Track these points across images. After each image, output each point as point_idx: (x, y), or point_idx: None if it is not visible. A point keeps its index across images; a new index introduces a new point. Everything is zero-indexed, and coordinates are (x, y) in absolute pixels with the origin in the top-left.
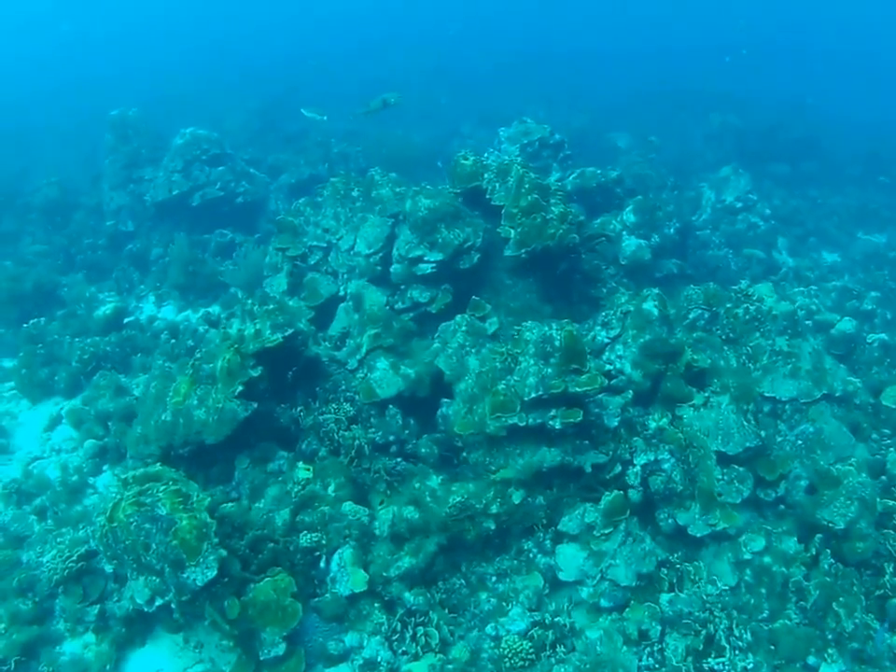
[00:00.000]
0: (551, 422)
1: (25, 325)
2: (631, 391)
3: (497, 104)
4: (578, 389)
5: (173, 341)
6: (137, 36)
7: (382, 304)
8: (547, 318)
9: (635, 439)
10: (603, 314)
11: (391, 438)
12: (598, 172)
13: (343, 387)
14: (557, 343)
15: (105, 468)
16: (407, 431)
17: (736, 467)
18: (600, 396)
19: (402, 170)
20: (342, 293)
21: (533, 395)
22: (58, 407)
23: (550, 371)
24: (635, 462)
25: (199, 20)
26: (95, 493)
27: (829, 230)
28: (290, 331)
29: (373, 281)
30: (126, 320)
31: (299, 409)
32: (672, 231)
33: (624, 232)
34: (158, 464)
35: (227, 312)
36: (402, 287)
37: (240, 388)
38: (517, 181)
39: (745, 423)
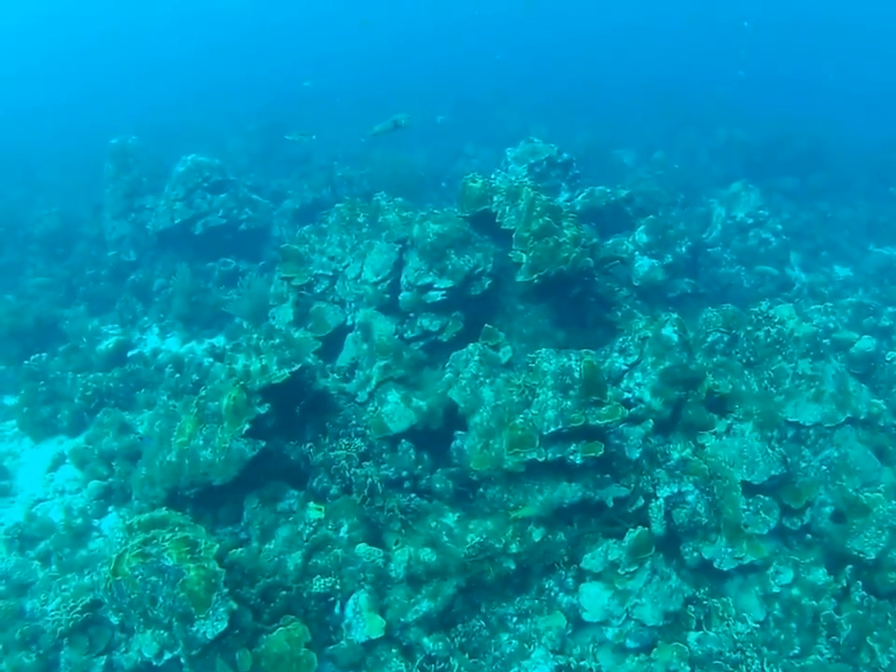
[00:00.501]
0: (571, 456)
1: (26, 361)
2: (651, 420)
3: (499, 122)
4: (598, 422)
5: (177, 375)
6: (138, 64)
7: (391, 334)
8: (560, 344)
9: (657, 470)
10: (620, 339)
11: (404, 473)
12: (608, 191)
13: (354, 422)
14: (577, 375)
15: (110, 509)
16: (420, 466)
17: (762, 496)
18: (621, 426)
19: (407, 192)
20: (349, 323)
21: (552, 429)
22: (61, 446)
23: (569, 403)
24: (658, 495)
25: (200, 46)
26: (100, 536)
27: (840, 243)
28: (298, 366)
29: (382, 309)
30: (130, 354)
31: (308, 445)
32: (684, 249)
33: (637, 253)
34: (164, 508)
35: (232, 343)
36: (411, 314)
37: (247, 427)
38: (528, 204)
39: (769, 450)
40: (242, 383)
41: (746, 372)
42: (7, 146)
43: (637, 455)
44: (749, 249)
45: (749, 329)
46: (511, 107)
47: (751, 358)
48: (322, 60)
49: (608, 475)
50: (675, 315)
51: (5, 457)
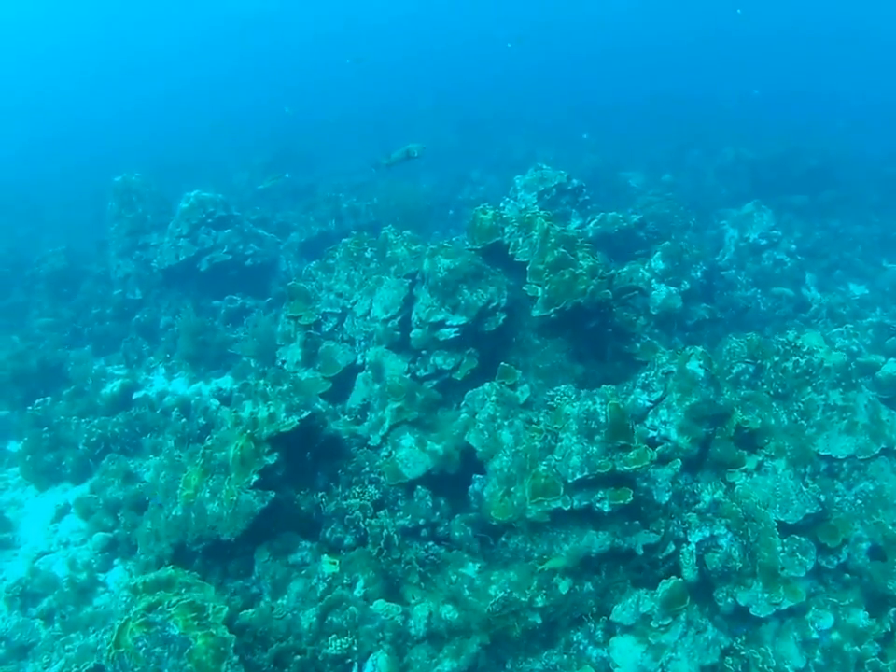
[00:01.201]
0: (598, 504)
1: (29, 407)
2: (679, 460)
3: (504, 147)
4: (627, 468)
5: (183, 420)
6: (144, 99)
7: (403, 373)
8: (579, 379)
9: (688, 514)
10: (643, 375)
11: (421, 521)
12: (619, 216)
13: (367, 468)
14: (602, 419)
15: (115, 562)
16: (438, 513)
17: (797, 537)
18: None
19: (414, 221)
20: (359, 362)
21: (578, 476)
22: (66, 494)
23: (595, 449)
24: (689, 539)
25: (206, 81)
26: (106, 591)
27: (854, 260)
28: (307, 413)
29: (392, 347)
30: (136, 396)
31: (320, 494)
32: (699, 274)
33: (653, 280)
34: (170, 566)
35: (240, 382)
36: (424, 352)
37: (255, 478)
38: (542, 235)
39: (803, 488)
40: (249, 431)
41: (774, 405)
42: (15, 183)
43: (667, 499)
44: (763, 271)
45: (776, 359)
46: (516, 131)
47: (780, 390)
48: (326, 88)
49: (636, 521)
50: (700, 349)
51: (8, 507)
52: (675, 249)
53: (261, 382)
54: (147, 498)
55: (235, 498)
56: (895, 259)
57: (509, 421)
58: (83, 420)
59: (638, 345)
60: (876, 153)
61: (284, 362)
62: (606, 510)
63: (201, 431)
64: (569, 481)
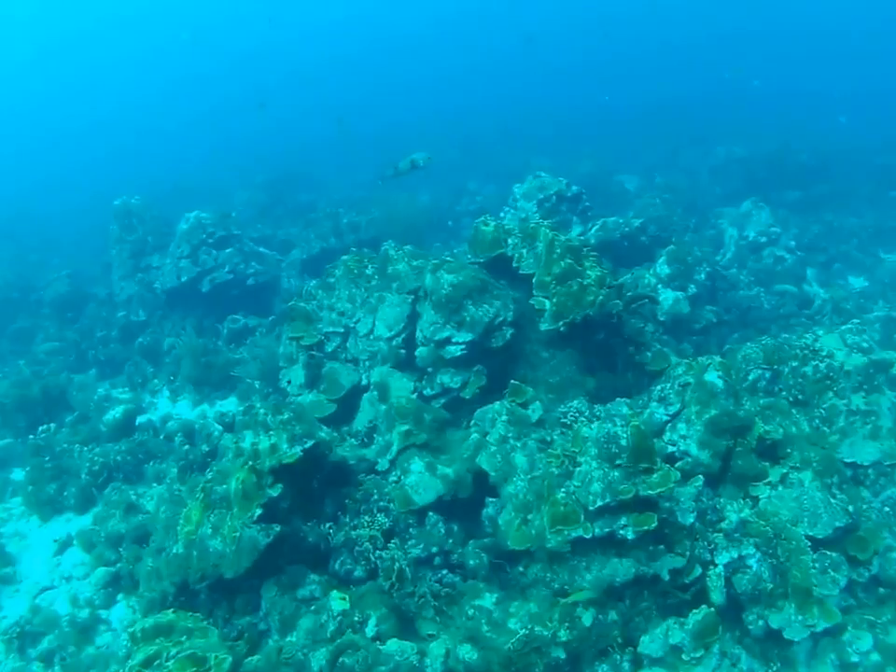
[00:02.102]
0: (622, 531)
1: (32, 436)
2: (701, 476)
3: (500, 156)
4: (651, 492)
5: (186, 446)
6: (149, 123)
7: (409, 392)
8: (591, 392)
9: (714, 534)
10: (658, 387)
11: (434, 549)
12: (621, 221)
13: (376, 496)
14: (624, 442)
15: (118, 597)
16: (451, 540)
17: (827, 552)
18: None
19: (414, 234)
20: (364, 382)
21: (599, 503)
22: (69, 524)
23: (616, 474)
24: (716, 561)
25: (203, 99)
26: (108, 629)
27: (851, 253)
28: (310, 443)
29: (398, 366)
30: (139, 421)
31: (328, 525)
32: (703, 276)
33: (660, 286)
34: (171, 611)
35: (244, 405)
36: (430, 370)
37: (258, 512)
38: (547, 246)
39: (831, 500)
40: (250, 463)
41: (794, 412)
42: (29, 212)
43: (692, 521)
44: (765, 269)
45: (794, 364)
46: (510, 141)
47: (800, 396)
48: (327, 106)
49: (661, 546)
50: (718, 358)
51: (11, 539)
52: (680, 253)
53: (261, 411)
54: (150, 531)
55: (238, 534)
56: (891, 249)
57: (522, 442)
58: (86, 448)
59: (649, 355)
60: (866, 144)
61: (289, 382)
62: (630, 537)
63: (204, 458)
64: (590, 508)
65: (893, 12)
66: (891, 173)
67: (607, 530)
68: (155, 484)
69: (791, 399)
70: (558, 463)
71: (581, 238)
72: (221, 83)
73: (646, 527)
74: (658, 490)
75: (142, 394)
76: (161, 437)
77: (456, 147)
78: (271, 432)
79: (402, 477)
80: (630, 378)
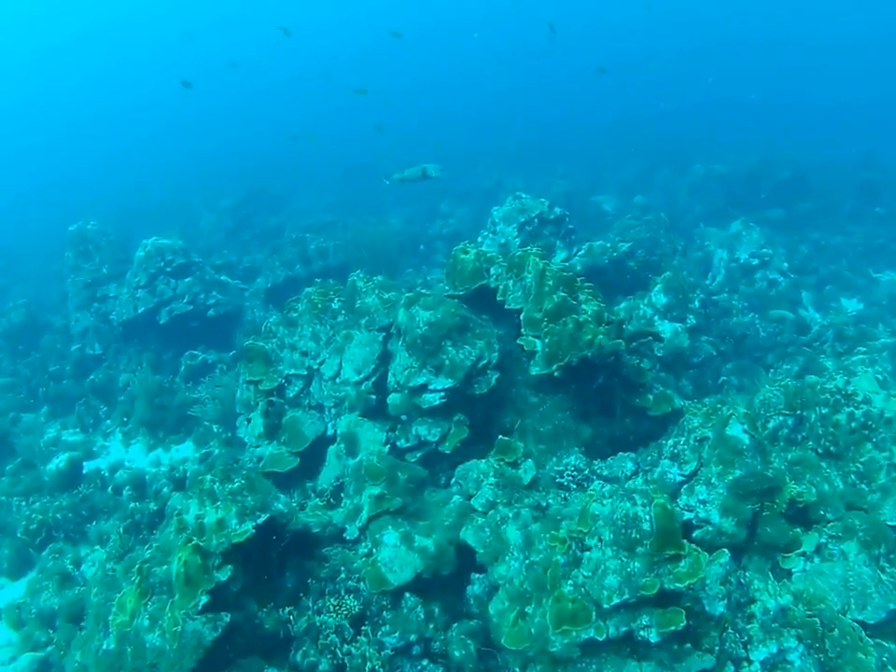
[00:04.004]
0: (642, 632)
1: None
2: (726, 551)
3: (472, 177)
4: (679, 585)
5: (133, 504)
6: (114, 145)
7: (381, 444)
8: (586, 442)
9: (746, 624)
10: (671, 441)
11: (412, 637)
12: (608, 246)
13: (343, 574)
14: (647, 526)
15: None
16: (432, 625)
17: (883, 643)
18: None
19: (385, 260)
20: (330, 432)
21: (616, 600)
22: (0, 592)
23: (637, 565)
24: (751, 657)
25: (172, 123)
26: None
27: (842, 273)
28: (264, 517)
29: (367, 414)
30: (88, 468)
31: (287, 610)
32: (697, 303)
33: (656, 317)
34: None
35: (201, 450)
36: (404, 417)
37: (204, 599)
38: (537, 277)
39: (882, 575)
40: (195, 541)
41: (824, 466)
42: None
43: (721, 610)
44: (758, 293)
45: (824, 411)
46: (482, 161)
47: (831, 448)
48: (293, 127)
49: (687, 644)
50: (741, 409)
51: None
52: (677, 281)
53: (208, 478)
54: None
55: (180, 628)
56: (881, 267)
57: (513, 511)
58: (25, 502)
59: (651, 397)
60: (846, 159)
61: (249, 432)
62: (654, 640)
63: (151, 518)
64: (605, 606)
65: (868, 26)
66: (874, 188)
67: (624, 629)
68: (98, 547)
69: (819, 450)
70: (563, 549)
71: (566, 264)
72: (187, 101)
73: (672, 628)
74: (688, 582)
75: (93, 436)
76: (109, 489)
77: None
78: (218, 503)
79: (374, 550)
80: (629, 423)
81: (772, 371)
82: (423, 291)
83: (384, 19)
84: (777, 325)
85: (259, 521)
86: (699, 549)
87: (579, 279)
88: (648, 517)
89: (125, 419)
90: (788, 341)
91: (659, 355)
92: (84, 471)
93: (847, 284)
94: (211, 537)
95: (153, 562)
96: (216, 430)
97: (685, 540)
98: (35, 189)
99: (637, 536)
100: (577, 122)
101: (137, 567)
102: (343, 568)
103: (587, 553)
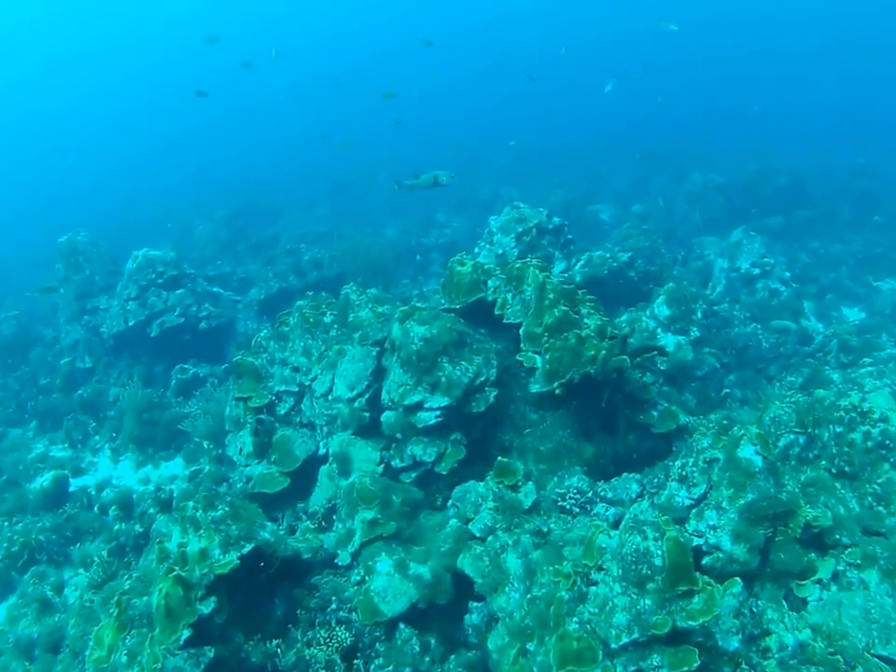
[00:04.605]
0: None
1: None
2: (738, 581)
3: (468, 187)
4: (692, 623)
5: (118, 526)
6: (107, 148)
7: (375, 464)
8: (588, 462)
9: (765, 662)
10: (678, 463)
11: (407, 671)
12: (608, 256)
13: (335, 605)
14: (659, 562)
15: None
16: (428, 658)
17: None
18: None
19: (380, 271)
20: (322, 451)
21: (625, 639)
22: None
23: (648, 602)
24: None
25: (165, 129)
26: None
27: (842, 282)
28: (249, 547)
29: (360, 432)
30: (75, 486)
31: (275, 643)
32: (699, 314)
33: (659, 329)
34: None
35: (191, 468)
36: (399, 435)
37: (186, 634)
38: (537, 290)
39: None
40: (177, 571)
41: (838, 486)
42: None
43: (736, 646)
44: (759, 303)
45: (838, 429)
46: (477, 170)
47: (846, 468)
48: (289, 139)
49: None
50: (755, 430)
51: None
52: (680, 293)
53: (191, 504)
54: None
55: (160, 665)
56: (881, 276)
57: (513, 537)
58: (9, 521)
59: (655, 413)
60: (843, 167)
61: (241, 450)
62: None
63: (136, 540)
64: (613, 645)
65: (857, 36)
66: (872, 196)
67: (633, 669)
68: (82, 570)
69: (833, 470)
70: (568, 584)
71: (566, 275)
72: (183, 113)
73: (686, 668)
74: (702, 620)
75: (82, 452)
76: (96, 508)
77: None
78: (201, 532)
79: (367, 578)
80: (632, 441)
81: (776, 382)
82: (418, 305)
83: (378, 31)
84: (780, 336)
85: (244, 551)
86: (713, 582)
87: (580, 292)
88: (660, 552)
89: (114, 435)
90: (791, 352)
91: (662, 368)
92: (71, 489)
93: (848, 293)
94: (194, 567)
95: (133, 593)
96: (206, 447)
97: (698, 573)
98: (31, 202)
99: (649, 572)
100: (573, 131)
101: (116, 598)
102: (333, 598)
103: (593, 589)
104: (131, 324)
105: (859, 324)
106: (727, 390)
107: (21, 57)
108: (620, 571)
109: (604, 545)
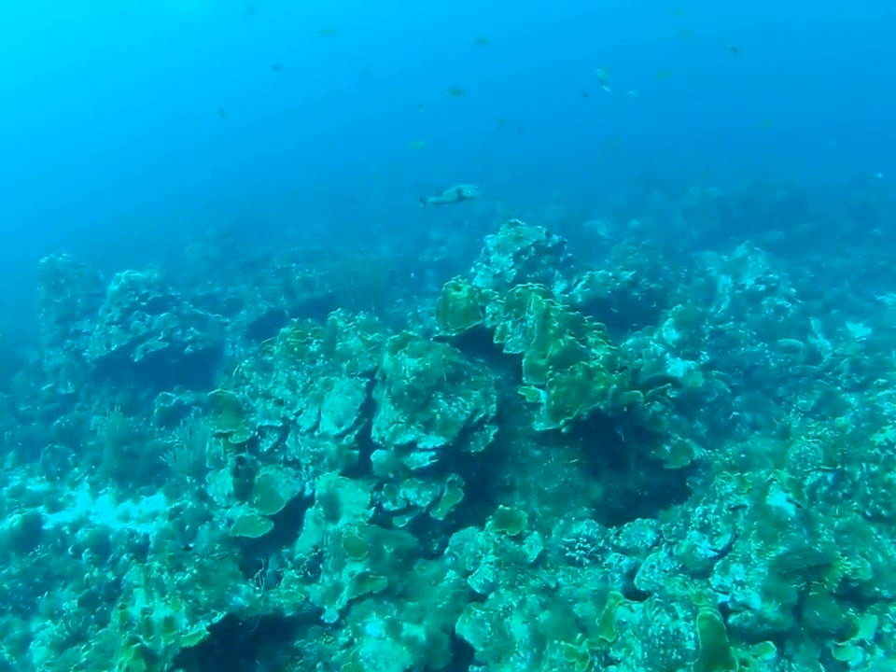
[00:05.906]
0: None
1: None
2: (772, 646)
3: (463, 204)
4: None
5: (88, 574)
6: (97, 165)
7: (365, 507)
8: (597, 503)
9: None
10: (699, 510)
11: None
12: (610, 275)
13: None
14: (692, 646)
15: None
16: None
17: None
18: None
19: (374, 291)
20: (308, 492)
21: None
22: None
23: None
24: None
25: (156, 145)
26: None
27: (846, 297)
28: (220, 616)
29: (349, 472)
30: (51, 523)
31: None
32: (707, 336)
33: (667, 354)
34: None
35: (172, 504)
36: (391, 475)
37: None
38: (540, 317)
39: None
40: (140, 642)
41: (874, 531)
42: None
43: None
44: (765, 321)
45: (873, 469)
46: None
47: (883, 511)
48: (282, 155)
49: None
50: (785, 474)
51: None
52: (690, 315)
53: (156, 564)
54: None
55: None
56: (884, 290)
57: (518, 598)
58: None
59: (668, 448)
60: (841, 179)
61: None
62: None
63: (109, 588)
64: None
65: (860, 48)
66: (871, 208)
67: None
68: (49, 622)
69: (868, 513)
70: (584, 666)
71: (566, 296)
72: (175, 129)
73: None
74: None
75: (60, 485)
76: (69, 549)
77: (413, 192)
78: (167, 598)
79: (356, 640)
80: (643, 477)
81: (785, 404)
82: (410, 334)
83: (372, 46)
84: (788, 355)
85: (215, 620)
86: (751, 660)
87: (586, 318)
88: (692, 634)
89: (94, 467)
90: (800, 371)
91: (672, 396)
92: (46, 526)
93: (853, 308)
94: (159, 637)
95: (91, 666)
96: (189, 481)
97: (733, 647)
98: (26, 217)
99: (679, 657)
100: (568, 146)
101: (72, 669)
102: (319, 665)
103: (612, 668)
104: (113, 349)
105: (866, 340)
106: (735, 413)
107: (18, 73)
108: (646, 655)
109: (624, 619)
